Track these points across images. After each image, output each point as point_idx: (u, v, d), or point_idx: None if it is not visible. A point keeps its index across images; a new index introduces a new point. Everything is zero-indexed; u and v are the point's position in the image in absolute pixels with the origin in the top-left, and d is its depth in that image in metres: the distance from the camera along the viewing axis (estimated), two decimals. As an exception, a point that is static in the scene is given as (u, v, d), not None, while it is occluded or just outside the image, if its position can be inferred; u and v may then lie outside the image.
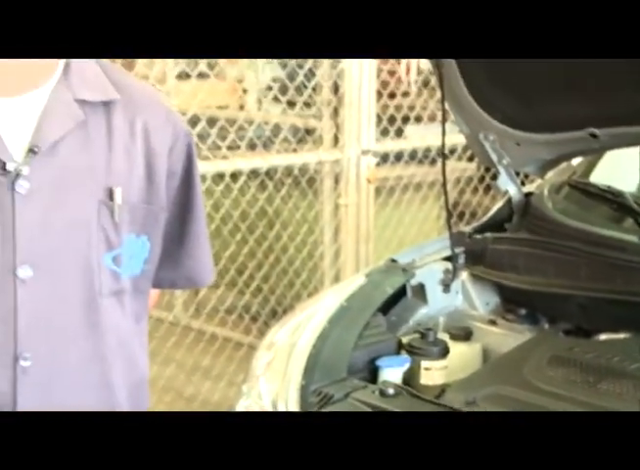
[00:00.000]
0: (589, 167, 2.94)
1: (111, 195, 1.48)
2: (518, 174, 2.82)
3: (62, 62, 1.47)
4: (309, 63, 4.24)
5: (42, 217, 1.43)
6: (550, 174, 2.86)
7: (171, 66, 4.54)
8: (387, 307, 2.48)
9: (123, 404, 1.54)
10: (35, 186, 1.41)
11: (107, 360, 1.51)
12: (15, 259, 1.41)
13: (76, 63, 1.48)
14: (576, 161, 2.92)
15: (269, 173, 4.12)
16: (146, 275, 1.57)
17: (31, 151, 1.41)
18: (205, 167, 3.57)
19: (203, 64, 4.10)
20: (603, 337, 2.40)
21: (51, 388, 1.45)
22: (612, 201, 2.58)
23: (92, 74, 1.51)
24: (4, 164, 1.39)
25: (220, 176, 3.92)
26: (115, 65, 1.69)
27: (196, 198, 1.64)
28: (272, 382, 2.24)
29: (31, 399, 1.42)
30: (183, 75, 4.32)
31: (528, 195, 2.77)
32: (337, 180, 4.26)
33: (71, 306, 1.48)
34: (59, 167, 1.45)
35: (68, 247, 1.46)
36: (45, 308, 1.45)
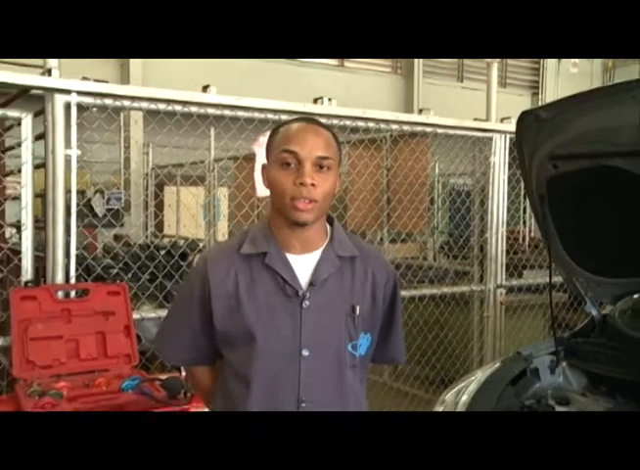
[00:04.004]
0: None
1: (353, 309, 1.50)
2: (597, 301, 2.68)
3: (329, 235, 1.53)
4: (465, 233, 4.27)
5: (315, 321, 1.47)
6: (619, 303, 2.68)
7: (386, 235, 4.67)
8: (514, 382, 2.39)
9: None
10: (312, 304, 1.46)
11: (345, 402, 1.52)
12: (300, 345, 1.46)
13: (337, 236, 1.52)
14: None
15: (442, 297, 4.11)
16: (369, 356, 1.57)
17: (311, 284, 1.47)
18: (404, 293, 3.60)
19: (403, 234, 4.21)
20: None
21: None
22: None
23: (345, 241, 1.54)
24: (297, 291, 1.46)
25: (413, 299, 3.94)
26: (355, 235, 1.73)
27: (397, 311, 1.63)
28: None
29: None
30: (393, 240, 4.44)
31: (605, 315, 2.62)
32: (482, 302, 4.17)
33: (329, 372, 1.50)
34: (325, 294, 1.48)
35: (329, 339, 1.49)
36: (314, 373, 1.47)
